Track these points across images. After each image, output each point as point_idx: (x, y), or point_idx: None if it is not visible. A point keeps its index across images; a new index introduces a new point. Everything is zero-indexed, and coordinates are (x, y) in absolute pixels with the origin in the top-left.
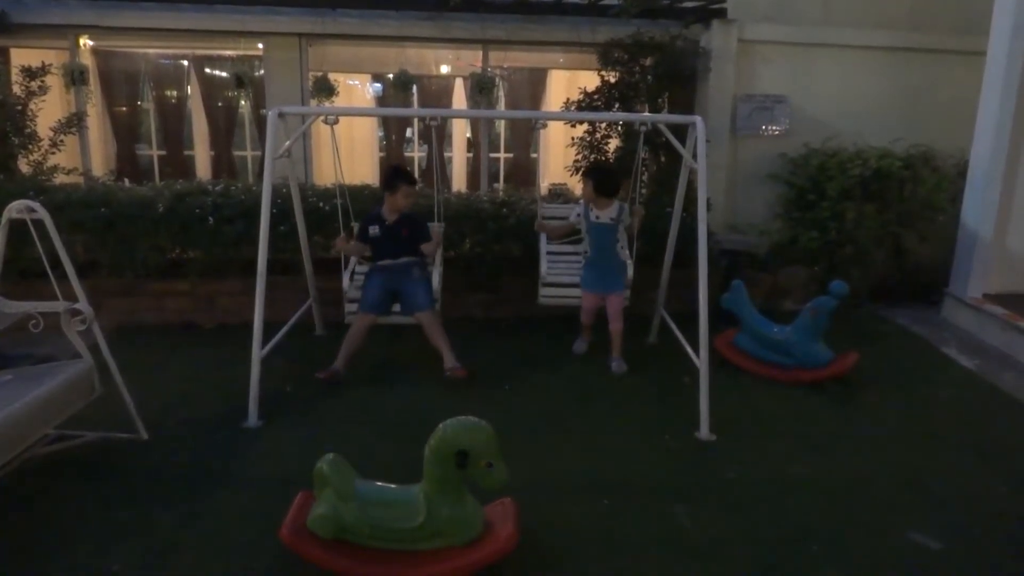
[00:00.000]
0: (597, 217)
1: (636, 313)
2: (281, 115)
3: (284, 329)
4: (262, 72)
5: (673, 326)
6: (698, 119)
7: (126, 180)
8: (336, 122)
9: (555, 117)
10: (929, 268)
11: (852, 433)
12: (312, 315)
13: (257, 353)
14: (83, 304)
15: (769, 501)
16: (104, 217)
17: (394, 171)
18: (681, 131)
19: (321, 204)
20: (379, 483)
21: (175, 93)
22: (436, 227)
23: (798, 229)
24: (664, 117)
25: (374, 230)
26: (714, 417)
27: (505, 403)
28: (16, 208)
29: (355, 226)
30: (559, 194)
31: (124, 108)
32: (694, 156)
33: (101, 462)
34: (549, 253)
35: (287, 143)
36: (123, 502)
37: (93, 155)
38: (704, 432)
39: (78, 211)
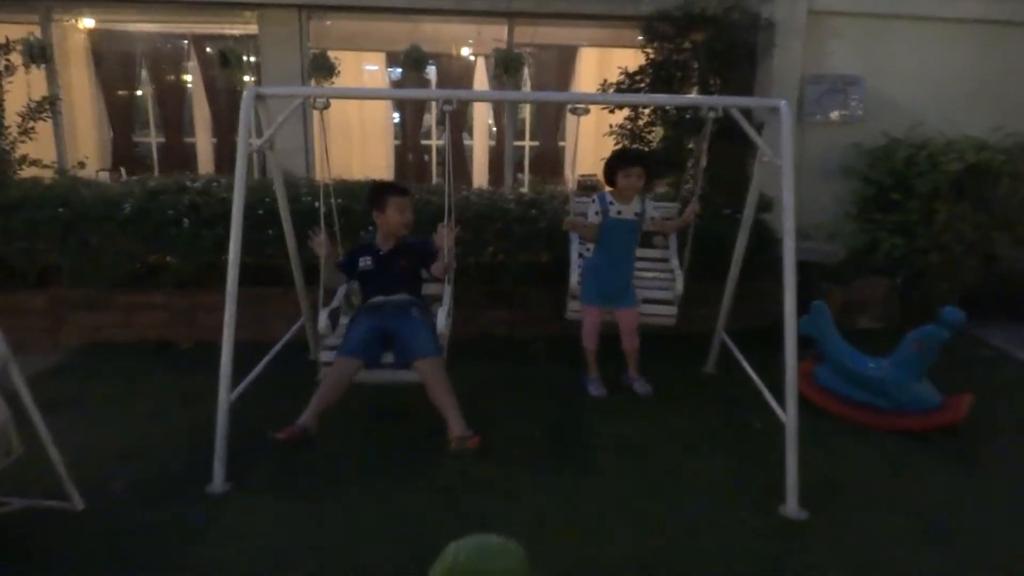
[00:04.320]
0: (619, 212)
1: (687, 333)
2: (260, 97)
3: (264, 360)
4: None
5: (739, 356)
6: (783, 103)
7: (122, 170)
8: (327, 106)
9: (603, 101)
10: (1021, 277)
11: (978, 507)
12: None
13: (225, 398)
14: None
15: None
16: (63, 218)
17: (378, 186)
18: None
19: (317, 204)
20: None
21: (174, 76)
22: (444, 231)
23: (879, 233)
24: (739, 100)
25: (365, 262)
26: (799, 482)
27: (533, 459)
28: None
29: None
30: (591, 187)
31: (120, 92)
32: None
33: (24, 538)
34: (582, 257)
35: (270, 131)
36: None
37: (85, 143)
38: (792, 507)
39: (33, 211)
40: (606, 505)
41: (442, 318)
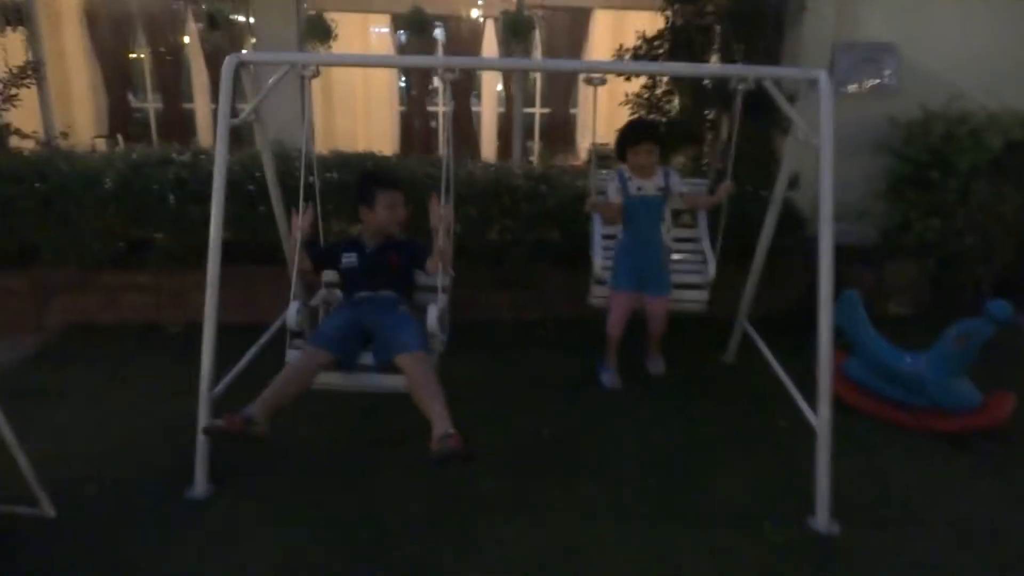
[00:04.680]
0: (639, 188)
1: (707, 318)
2: (243, 65)
3: (253, 349)
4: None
5: (763, 347)
6: (823, 74)
7: (119, 137)
8: (316, 74)
9: (621, 70)
10: None
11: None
12: None
13: (206, 394)
14: None
15: None
16: (39, 194)
17: (365, 179)
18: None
19: (311, 178)
20: None
21: (171, 39)
22: (438, 208)
23: (912, 213)
24: (773, 71)
25: (349, 259)
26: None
27: (540, 464)
28: None
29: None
30: (605, 156)
31: (115, 55)
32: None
33: None
34: (605, 238)
35: (254, 101)
36: None
37: (81, 109)
38: (822, 521)
39: (7, 186)
40: (619, 520)
41: (433, 316)
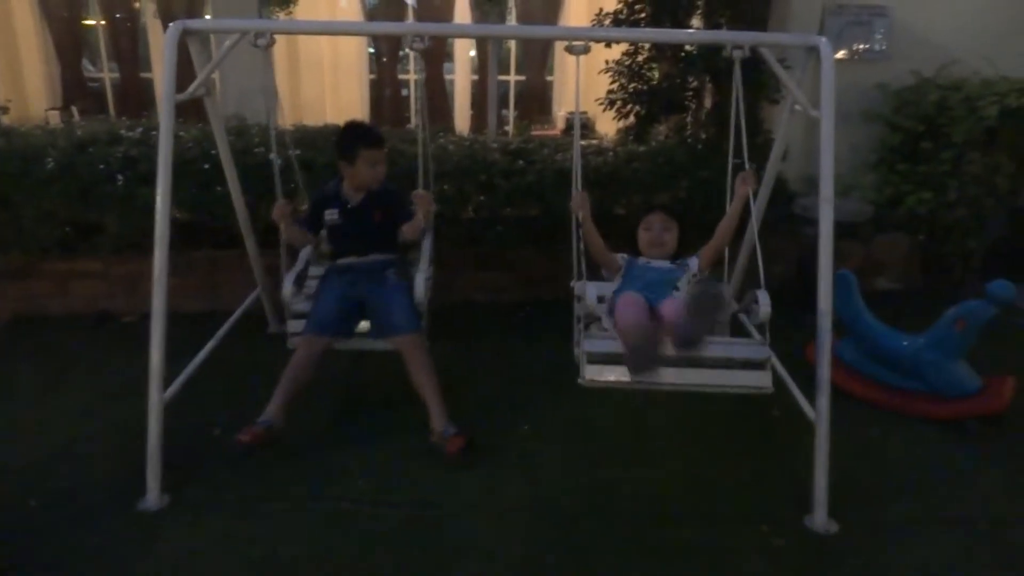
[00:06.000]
0: (648, 261)
1: None
2: (189, 33)
3: (209, 345)
4: None
5: (753, 330)
6: (823, 41)
7: (74, 110)
8: (271, 43)
9: (607, 38)
10: None
11: None
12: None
13: (156, 399)
14: None
15: None
16: None
17: (348, 132)
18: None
19: (272, 156)
20: None
21: (127, 3)
22: (422, 195)
23: (903, 186)
24: (771, 37)
25: (331, 215)
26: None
27: (520, 458)
28: None
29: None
30: (583, 125)
31: (68, 21)
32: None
33: None
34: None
35: (203, 74)
36: None
37: (31, 79)
38: (820, 519)
39: None
40: (606, 523)
41: (420, 284)
